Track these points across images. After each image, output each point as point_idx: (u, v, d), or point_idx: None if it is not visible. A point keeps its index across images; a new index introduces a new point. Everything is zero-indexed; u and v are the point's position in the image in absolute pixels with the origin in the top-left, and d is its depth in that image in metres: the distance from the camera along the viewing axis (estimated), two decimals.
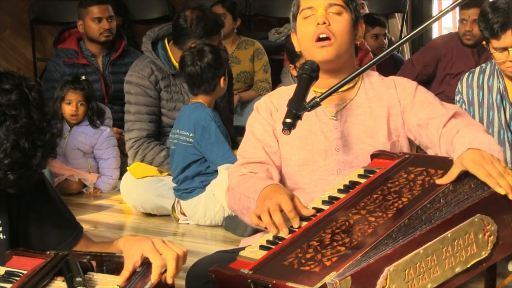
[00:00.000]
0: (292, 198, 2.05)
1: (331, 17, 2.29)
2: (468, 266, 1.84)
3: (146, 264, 1.79)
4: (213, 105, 3.76)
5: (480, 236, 1.86)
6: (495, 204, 1.89)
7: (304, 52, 2.36)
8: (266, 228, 2.06)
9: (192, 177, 3.67)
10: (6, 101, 1.74)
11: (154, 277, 1.76)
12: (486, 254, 1.87)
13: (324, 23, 2.27)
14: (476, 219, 1.85)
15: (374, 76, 2.42)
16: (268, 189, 2.12)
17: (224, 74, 3.71)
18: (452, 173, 1.96)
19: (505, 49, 3.13)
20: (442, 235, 1.79)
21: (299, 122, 2.09)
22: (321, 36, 2.27)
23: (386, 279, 1.71)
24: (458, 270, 1.82)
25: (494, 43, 3.15)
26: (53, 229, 2.00)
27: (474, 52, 4.93)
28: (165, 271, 1.78)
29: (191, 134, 3.63)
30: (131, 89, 4.00)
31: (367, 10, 5.65)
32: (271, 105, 2.41)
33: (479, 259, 1.86)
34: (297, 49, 2.41)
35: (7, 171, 1.74)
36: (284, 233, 1.96)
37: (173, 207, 3.78)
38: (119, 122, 4.80)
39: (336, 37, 2.28)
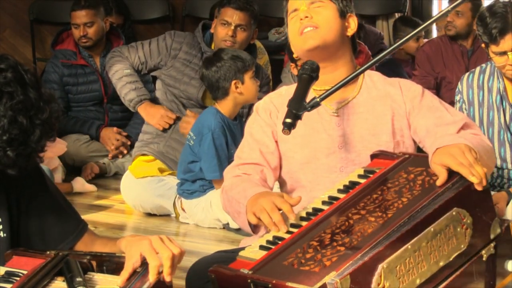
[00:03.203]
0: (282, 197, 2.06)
1: (313, 10, 2.31)
2: (451, 259, 1.87)
3: (146, 264, 1.80)
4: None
5: (458, 229, 1.88)
6: (468, 197, 1.92)
7: (295, 50, 2.38)
8: (254, 232, 2.07)
9: (193, 181, 3.68)
10: (2, 79, 1.75)
11: (152, 277, 1.77)
12: (465, 247, 1.90)
13: (306, 17, 2.29)
14: (454, 213, 1.87)
15: (375, 75, 2.42)
16: (258, 194, 2.12)
17: (238, 78, 3.62)
18: (439, 172, 1.97)
19: (504, 53, 3.14)
20: (426, 230, 1.82)
21: (301, 121, 2.09)
22: (305, 30, 2.29)
23: (380, 276, 1.72)
24: (442, 264, 1.85)
25: (493, 48, 3.15)
26: (54, 226, 2.00)
27: (464, 54, 4.94)
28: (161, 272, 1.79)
29: (194, 137, 3.65)
30: (159, 37, 4.16)
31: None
32: (271, 106, 2.41)
33: (459, 252, 1.88)
34: (294, 54, 2.42)
35: (6, 147, 1.74)
36: (283, 230, 1.97)
37: (174, 203, 3.79)
38: (118, 122, 4.81)
39: (321, 26, 2.29)
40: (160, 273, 1.78)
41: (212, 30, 4.12)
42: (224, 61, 3.63)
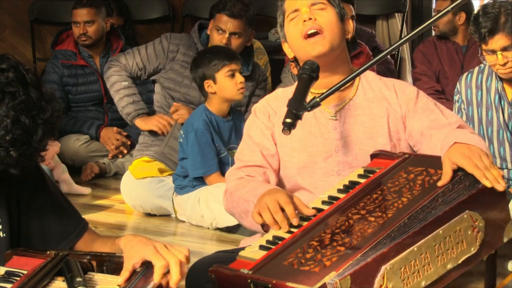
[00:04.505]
0: (291, 197, 2.05)
1: (316, 13, 2.30)
2: (459, 262, 1.86)
3: (146, 264, 1.79)
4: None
5: (469, 232, 1.87)
6: (482, 200, 1.91)
7: (297, 53, 2.36)
8: (265, 230, 2.07)
9: (184, 177, 3.71)
10: (4, 79, 1.75)
11: (157, 277, 1.75)
12: (475, 250, 1.89)
13: (310, 19, 2.28)
14: (465, 216, 1.87)
15: (371, 76, 2.42)
16: (266, 191, 2.11)
17: (209, 78, 3.64)
18: (446, 171, 1.96)
19: (494, 52, 3.15)
20: (434, 232, 1.81)
21: (297, 125, 2.09)
22: (309, 32, 2.28)
23: (383, 277, 1.72)
24: (449, 266, 1.84)
25: (483, 46, 3.18)
26: (55, 225, 2.00)
27: (459, 51, 4.96)
28: (167, 272, 1.77)
29: (183, 135, 3.71)
30: (155, 40, 4.16)
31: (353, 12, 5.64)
32: (269, 108, 2.40)
33: (468, 255, 1.88)
34: (290, 56, 2.41)
35: (9, 147, 1.74)
36: (285, 229, 1.97)
37: (172, 200, 3.80)
38: (118, 122, 4.80)
39: (326, 30, 2.28)
40: (165, 274, 1.76)
41: (208, 32, 4.12)
42: (200, 61, 3.69)
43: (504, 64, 3.16)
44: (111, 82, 4.19)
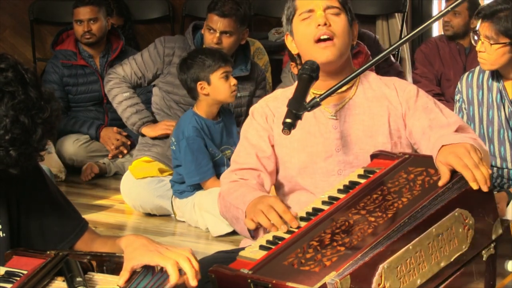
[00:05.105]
0: (282, 201, 2.06)
1: (330, 18, 2.28)
2: (451, 260, 1.87)
3: (146, 266, 1.79)
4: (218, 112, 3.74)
5: (460, 230, 1.88)
6: (471, 198, 1.91)
7: (304, 54, 2.34)
8: (252, 236, 2.08)
9: (180, 183, 3.71)
10: (3, 79, 1.75)
11: (174, 277, 1.74)
12: (466, 248, 1.90)
13: (325, 24, 2.26)
14: (456, 213, 1.87)
15: (371, 76, 2.42)
16: (256, 199, 2.12)
17: (203, 79, 3.61)
18: (443, 174, 1.96)
19: (478, 34, 3.22)
20: (427, 230, 1.82)
21: (297, 125, 2.08)
22: (322, 37, 2.26)
23: (381, 276, 1.72)
24: (443, 264, 1.85)
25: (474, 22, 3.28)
26: (54, 225, 2.00)
27: (462, 52, 4.97)
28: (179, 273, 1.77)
29: (175, 142, 3.69)
30: (149, 46, 4.17)
31: None
32: (266, 109, 2.40)
33: (460, 253, 1.88)
34: (293, 51, 2.40)
35: (8, 147, 1.74)
36: (283, 229, 1.97)
37: (171, 202, 3.80)
38: (118, 122, 4.80)
39: (337, 37, 2.27)
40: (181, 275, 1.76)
41: (202, 31, 4.12)
42: (192, 62, 3.65)
43: (479, 52, 3.22)
44: (112, 95, 4.18)
